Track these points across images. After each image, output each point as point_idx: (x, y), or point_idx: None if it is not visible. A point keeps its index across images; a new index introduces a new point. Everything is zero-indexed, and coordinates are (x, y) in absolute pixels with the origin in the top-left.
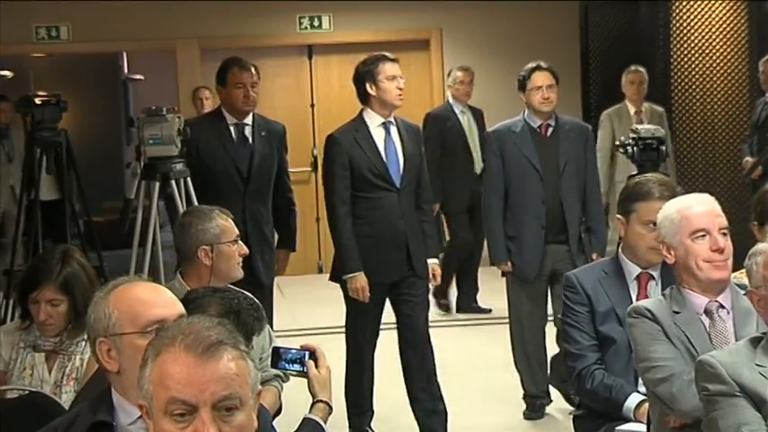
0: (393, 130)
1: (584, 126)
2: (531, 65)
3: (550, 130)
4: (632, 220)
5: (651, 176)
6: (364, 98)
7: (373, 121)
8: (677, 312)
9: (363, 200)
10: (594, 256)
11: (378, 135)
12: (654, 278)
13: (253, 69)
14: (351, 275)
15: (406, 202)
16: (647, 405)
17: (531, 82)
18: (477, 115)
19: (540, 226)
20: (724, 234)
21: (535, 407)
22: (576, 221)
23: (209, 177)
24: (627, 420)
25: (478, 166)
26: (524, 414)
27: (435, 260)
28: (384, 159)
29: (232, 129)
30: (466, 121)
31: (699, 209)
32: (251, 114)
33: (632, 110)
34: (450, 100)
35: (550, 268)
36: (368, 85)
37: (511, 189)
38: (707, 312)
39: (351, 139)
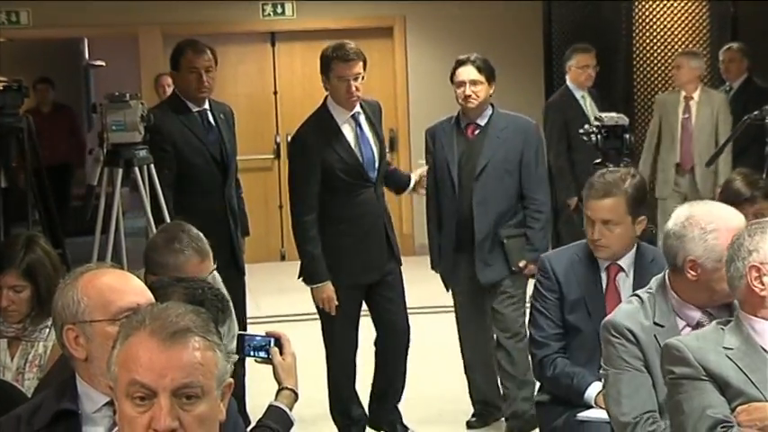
0: (362, 119)
1: (526, 122)
2: (460, 56)
3: (477, 131)
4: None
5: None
6: (326, 88)
7: (340, 114)
8: (660, 325)
9: (338, 199)
10: (522, 264)
11: (348, 130)
12: (623, 270)
13: (208, 53)
14: (317, 285)
15: (381, 190)
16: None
17: (455, 76)
18: (597, 99)
19: (452, 235)
20: None
21: (476, 416)
22: (487, 228)
23: (189, 171)
24: (588, 407)
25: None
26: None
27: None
28: (358, 157)
29: (197, 116)
30: (588, 106)
31: None
32: (207, 100)
33: (682, 95)
34: (570, 84)
35: (473, 277)
36: (323, 78)
37: (437, 193)
38: (699, 325)
39: (320, 139)
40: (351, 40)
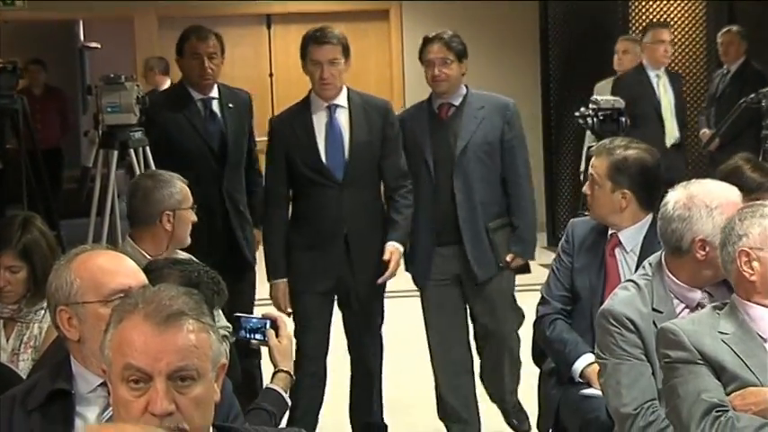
0: (340, 113)
1: (505, 101)
2: (428, 34)
3: (452, 110)
4: None
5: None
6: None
7: (317, 103)
8: (658, 311)
9: (303, 198)
10: (509, 258)
11: (319, 121)
12: (621, 244)
13: (213, 39)
14: (272, 282)
15: (352, 197)
16: (594, 367)
17: (424, 55)
18: (675, 80)
19: (430, 226)
20: None
21: None
22: (475, 218)
23: (181, 161)
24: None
25: (670, 138)
26: None
27: (398, 245)
28: (321, 150)
29: (199, 104)
30: (661, 86)
31: None
32: (215, 86)
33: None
34: (644, 62)
35: (454, 273)
36: (302, 64)
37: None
38: (699, 306)
39: (289, 127)
40: (346, 24)
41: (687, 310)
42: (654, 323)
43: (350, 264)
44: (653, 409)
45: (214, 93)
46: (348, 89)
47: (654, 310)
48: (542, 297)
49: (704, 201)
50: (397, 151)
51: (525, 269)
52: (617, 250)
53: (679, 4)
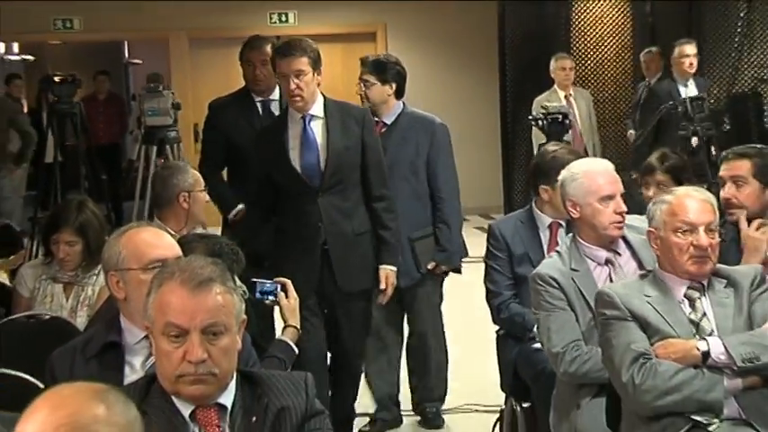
0: (315, 123)
1: (430, 121)
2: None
3: (384, 129)
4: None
5: (562, 149)
6: None
7: (293, 114)
8: (575, 270)
9: (283, 206)
10: (431, 266)
11: (294, 131)
12: (562, 225)
13: (265, 48)
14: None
15: (331, 204)
16: None
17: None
18: (703, 88)
19: None
20: (622, 197)
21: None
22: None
23: (238, 159)
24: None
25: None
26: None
27: (391, 267)
28: (294, 159)
29: (259, 105)
30: (687, 94)
31: (606, 177)
32: (276, 89)
33: (562, 94)
34: (675, 74)
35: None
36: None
37: None
38: (608, 262)
39: (268, 136)
40: (341, 44)
41: (599, 267)
42: (573, 279)
43: (330, 272)
44: (577, 346)
45: (274, 95)
46: (325, 98)
47: (572, 269)
48: (492, 291)
49: (572, 169)
50: (379, 158)
51: (457, 271)
52: (560, 231)
53: (613, 27)
